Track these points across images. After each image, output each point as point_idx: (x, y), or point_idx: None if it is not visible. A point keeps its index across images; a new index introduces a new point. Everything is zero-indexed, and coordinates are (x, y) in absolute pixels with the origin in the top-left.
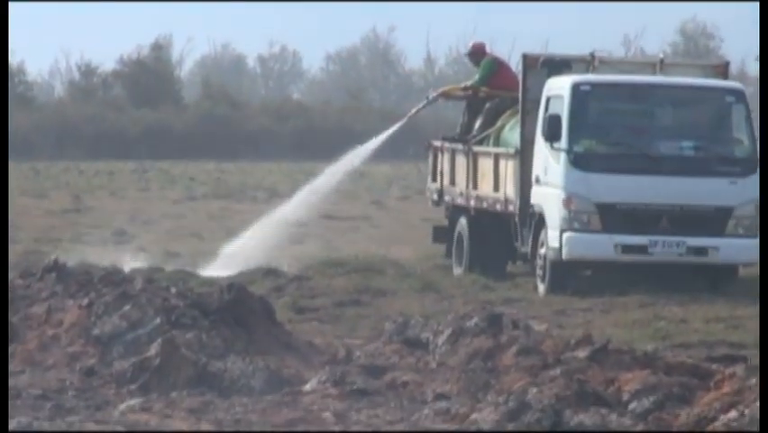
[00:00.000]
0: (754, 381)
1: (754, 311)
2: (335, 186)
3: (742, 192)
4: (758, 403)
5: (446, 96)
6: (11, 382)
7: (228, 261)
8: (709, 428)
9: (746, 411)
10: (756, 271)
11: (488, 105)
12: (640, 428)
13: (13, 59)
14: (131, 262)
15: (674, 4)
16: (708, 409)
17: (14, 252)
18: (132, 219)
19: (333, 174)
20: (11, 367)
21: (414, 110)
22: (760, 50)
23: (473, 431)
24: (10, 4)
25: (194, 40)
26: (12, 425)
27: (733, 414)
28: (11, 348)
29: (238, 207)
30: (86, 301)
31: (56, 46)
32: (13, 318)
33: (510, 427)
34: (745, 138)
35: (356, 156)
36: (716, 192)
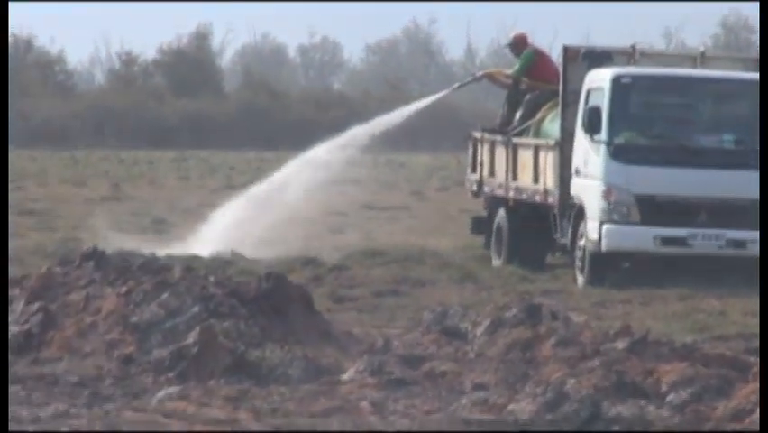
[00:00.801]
0: None
1: None
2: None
3: None
4: None
5: (491, 78)
6: (48, 369)
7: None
8: (747, 420)
9: None
10: None
11: (528, 96)
12: (677, 419)
13: (53, 47)
14: (170, 249)
15: None
16: (746, 401)
17: (53, 239)
18: (171, 208)
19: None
20: (48, 354)
21: (457, 84)
22: (760, 49)
23: (511, 421)
24: None
25: (234, 29)
26: (48, 412)
27: None
28: (48, 335)
29: None
30: (124, 289)
31: (96, 34)
32: (52, 306)
33: (548, 417)
34: None
35: (405, 111)
36: (756, 185)
